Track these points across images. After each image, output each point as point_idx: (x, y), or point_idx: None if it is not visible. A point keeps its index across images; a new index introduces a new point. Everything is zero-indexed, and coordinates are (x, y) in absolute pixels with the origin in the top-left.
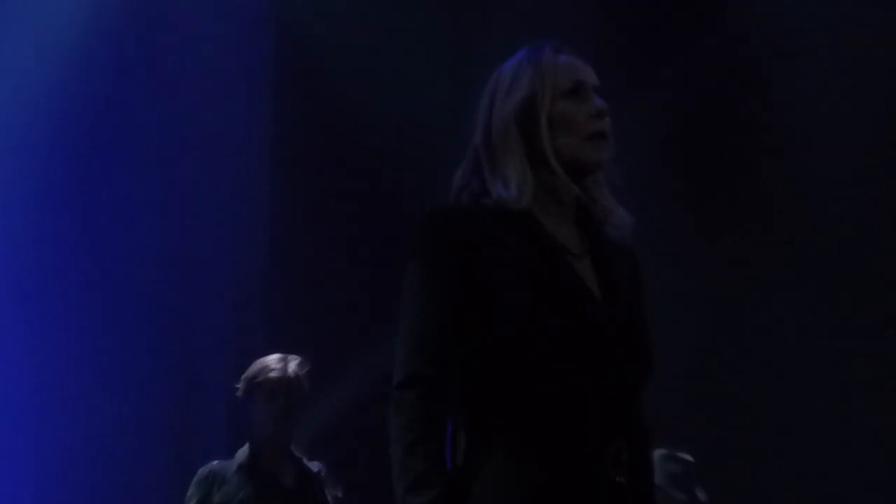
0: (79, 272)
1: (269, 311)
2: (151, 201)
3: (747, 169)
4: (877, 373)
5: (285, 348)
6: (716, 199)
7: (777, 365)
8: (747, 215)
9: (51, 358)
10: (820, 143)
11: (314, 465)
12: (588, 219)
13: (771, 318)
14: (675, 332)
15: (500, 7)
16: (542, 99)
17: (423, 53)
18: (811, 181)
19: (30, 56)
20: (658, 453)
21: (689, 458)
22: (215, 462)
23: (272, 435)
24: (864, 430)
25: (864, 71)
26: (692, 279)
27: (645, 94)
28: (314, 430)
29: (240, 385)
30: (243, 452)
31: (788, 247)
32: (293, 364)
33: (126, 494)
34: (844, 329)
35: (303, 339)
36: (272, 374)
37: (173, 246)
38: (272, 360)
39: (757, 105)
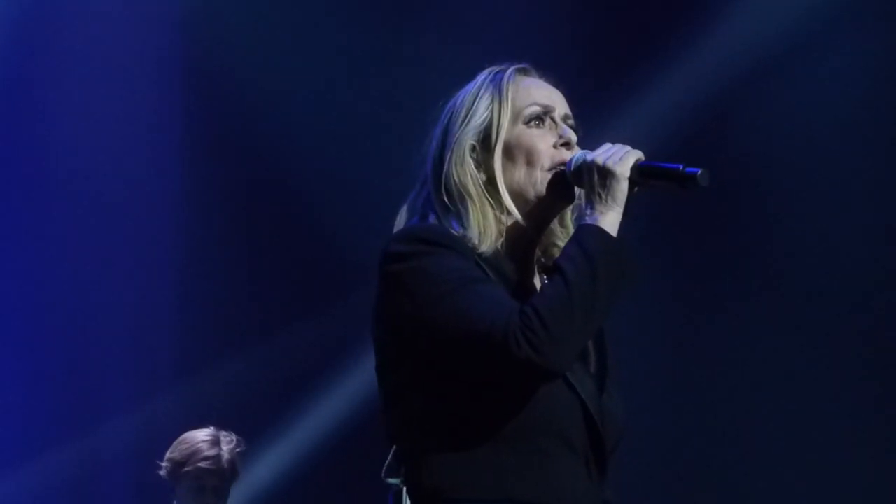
0: None
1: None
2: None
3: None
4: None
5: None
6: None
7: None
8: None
9: None
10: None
11: None
12: (547, 269)
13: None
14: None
15: (439, 29)
16: (500, 126)
17: (343, 74)
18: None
19: None
20: None
21: None
22: None
23: None
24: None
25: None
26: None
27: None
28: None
29: (164, 464)
30: None
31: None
32: (225, 447)
33: None
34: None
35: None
36: (202, 465)
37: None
38: (203, 441)
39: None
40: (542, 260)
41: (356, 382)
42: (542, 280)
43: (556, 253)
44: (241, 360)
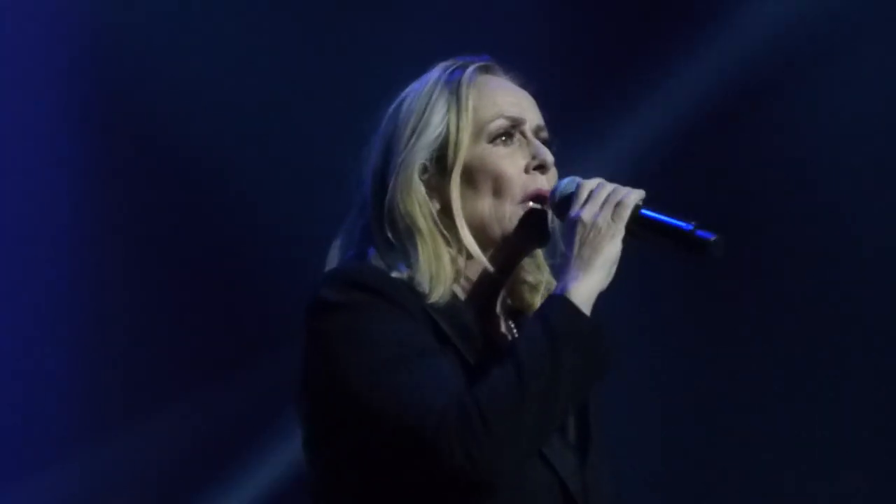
0: None
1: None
2: None
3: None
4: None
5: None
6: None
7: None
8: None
9: None
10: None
11: None
12: (515, 312)
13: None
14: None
15: (397, 19)
16: (459, 143)
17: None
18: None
19: None
20: None
21: None
22: None
23: None
24: None
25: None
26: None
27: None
28: None
29: None
30: None
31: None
32: None
33: None
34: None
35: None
36: None
37: None
38: None
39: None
40: (509, 302)
41: (288, 450)
42: (509, 327)
43: (526, 291)
44: (156, 423)
